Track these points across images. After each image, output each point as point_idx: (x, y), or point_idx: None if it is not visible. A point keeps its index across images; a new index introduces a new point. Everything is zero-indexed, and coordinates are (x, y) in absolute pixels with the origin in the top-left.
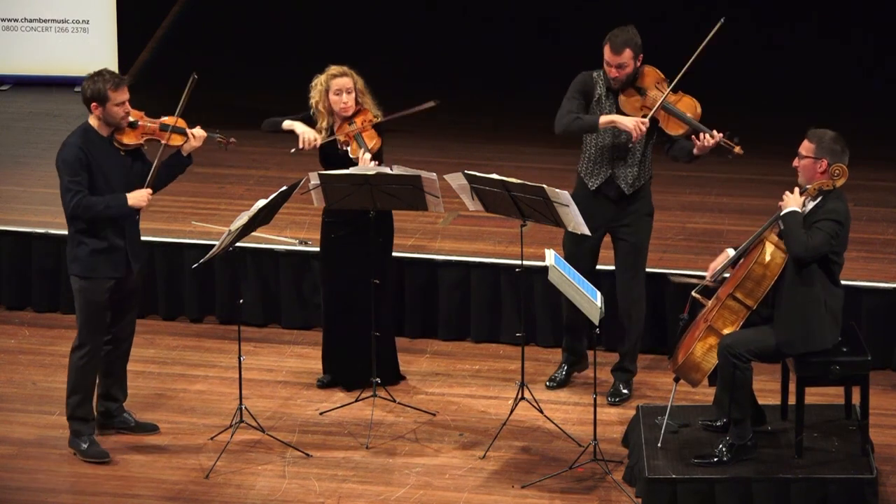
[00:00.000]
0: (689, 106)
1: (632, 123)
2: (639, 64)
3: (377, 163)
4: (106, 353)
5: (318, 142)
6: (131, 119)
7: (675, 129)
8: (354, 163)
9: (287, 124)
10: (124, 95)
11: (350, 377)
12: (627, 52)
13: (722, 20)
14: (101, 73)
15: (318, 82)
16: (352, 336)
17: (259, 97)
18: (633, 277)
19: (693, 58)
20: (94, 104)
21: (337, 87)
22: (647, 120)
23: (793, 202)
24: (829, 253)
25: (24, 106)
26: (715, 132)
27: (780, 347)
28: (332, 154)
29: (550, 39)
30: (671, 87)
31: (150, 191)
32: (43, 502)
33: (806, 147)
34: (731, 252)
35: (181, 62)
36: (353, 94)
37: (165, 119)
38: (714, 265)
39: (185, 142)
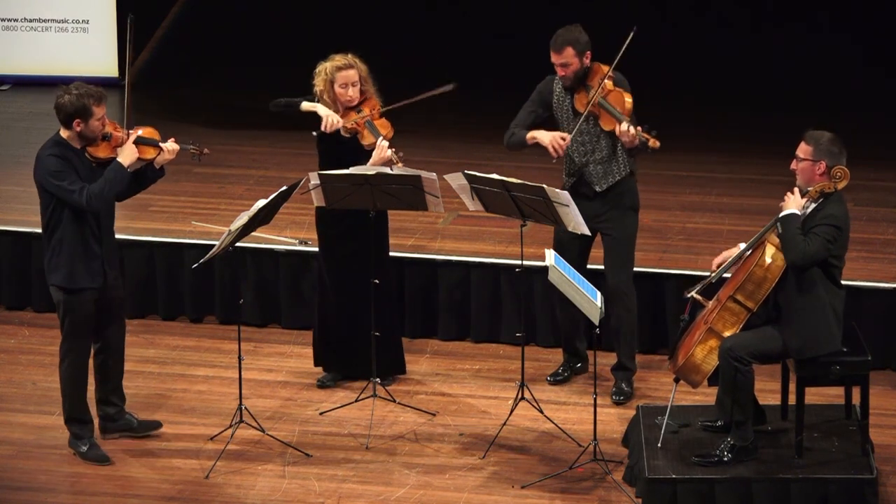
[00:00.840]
0: (618, 100)
1: (548, 139)
2: (587, 62)
3: (394, 150)
4: (101, 362)
5: (341, 124)
6: (105, 132)
7: (607, 125)
8: (357, 152)
9: (307, 106)
10: (104, 110)
11: (346, 370)
12: (568, 51)
13: (634, 30)
14: (78, 88)
15: (323, 70)
16: (350, 333)
17: (259, 97)
18: (621, 272)
19: (617, 58)
20: (77, 120)
21: (342, 80)
22: (566, 135)
23: (793, 203)
24: (828, 257)
25: (24, 106)
26: (632, 128)
27: (790, 353)
28: (333, 144)
29: (550, 39)
30: (602, 82)
31: (132, 145)
32: (42, 502)
33: (804, 150)
34: (743, 247)
35: (181, 62)
36: (359, 86)
37: (137, 130)
38: (723, 256)
39: (159, 154)
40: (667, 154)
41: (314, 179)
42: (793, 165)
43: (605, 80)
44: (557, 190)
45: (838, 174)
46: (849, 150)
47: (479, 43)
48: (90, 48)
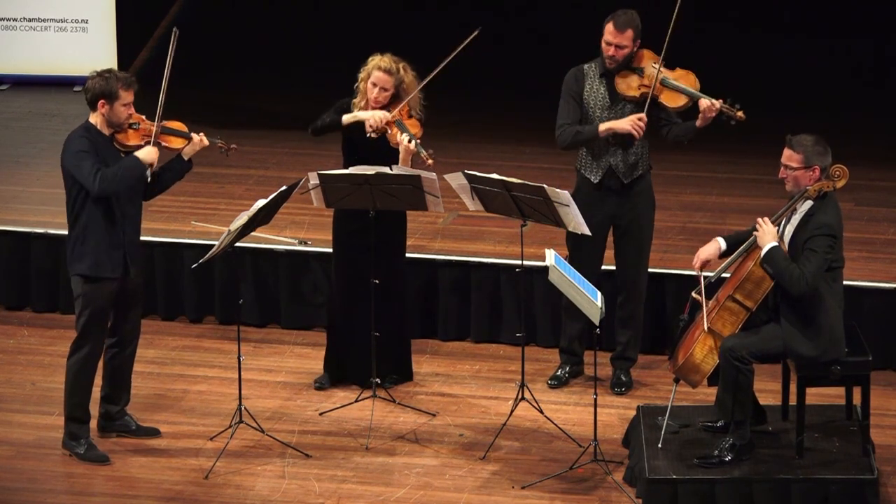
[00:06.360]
0: (686, 78)
1: (629, 125)
2: (635, 47)
3: (426, 150)
4: (111, 357)
5: (385, 120)
6: (133, 121)
7: (675, 101)
8: (379, 150)
9: (347, 118)
10: (132, 97)
11: (354, 376)
12: (629, 34)
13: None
14: (110, 72)
15: (371, 62)
16: (359, 335)
17: (259, 97)
18: (638, 266)
19: (666, 42)
20: (101, 101)
21: (375, 79)
22: (643, 115)
23: (769, 236)
24: None
25: (23, 106)
26: (714, 100)
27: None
28: (359, 140)
29: (549, 38)
30: (662, 57)
31: (154, 148)
32: (41, 503)
33: (794, 158)
34: (721, 241)
35: (181, 62)
36: (388, 94)
37: (166, 122)
38: (703, 253)
39: (187, 144)
40: (667, 154)
41: (314, 179)
42: (782, 174)
43: (661, 61)
44: (558, 190)
45: (837, 173)
46: (849, 150)
47: (478, 43)
48: (89, 48)
